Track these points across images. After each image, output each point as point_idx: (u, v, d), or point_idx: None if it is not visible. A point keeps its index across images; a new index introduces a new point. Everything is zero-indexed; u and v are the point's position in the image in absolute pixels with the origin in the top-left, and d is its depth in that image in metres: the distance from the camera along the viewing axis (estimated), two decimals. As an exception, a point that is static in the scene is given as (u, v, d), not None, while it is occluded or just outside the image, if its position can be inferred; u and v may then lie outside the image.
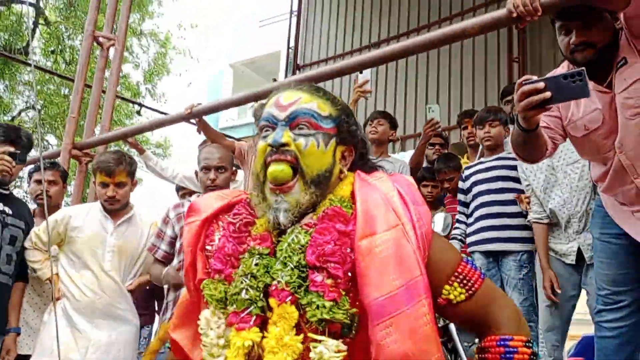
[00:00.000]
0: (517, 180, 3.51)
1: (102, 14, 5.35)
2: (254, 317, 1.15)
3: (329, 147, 1.28)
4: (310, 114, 1.27)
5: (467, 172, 3.78)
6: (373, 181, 1.25)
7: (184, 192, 4.65)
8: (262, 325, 1.15)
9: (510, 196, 3.50)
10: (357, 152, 1.37)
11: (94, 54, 5.31)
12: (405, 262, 1.10)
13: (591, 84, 2.18)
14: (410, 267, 1.10)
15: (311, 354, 1.09)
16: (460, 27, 2.78)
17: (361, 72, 3.47)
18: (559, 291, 3.17)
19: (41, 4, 14.56)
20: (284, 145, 1.23)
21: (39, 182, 3.81)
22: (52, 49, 14.54)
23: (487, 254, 3.52)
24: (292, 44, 9.58)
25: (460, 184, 3.81)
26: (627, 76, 2.14)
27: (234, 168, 3.13)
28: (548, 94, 1.77)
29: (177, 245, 2.96)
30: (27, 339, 3.26)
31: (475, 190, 3.64)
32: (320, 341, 1.09)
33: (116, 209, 3.20)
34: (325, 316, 1.08)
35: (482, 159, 3.78)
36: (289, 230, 1.21)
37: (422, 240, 1.16)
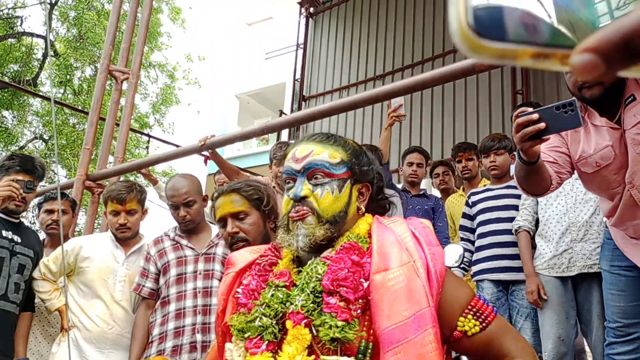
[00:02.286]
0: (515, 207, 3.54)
1: (115, 48, 5.47)
2: (266, 343, 1.24)
3: (343, 191, 1.41)
4: (322, 165, 1.41)
5: (473, 199, 3.77)
6: (389, 224, 1.37)
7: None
8: (275, 351, 1.24)
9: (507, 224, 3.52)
10: (375, 186, 1.49)
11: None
12: (414, 295, 1.18)
13: (603, 120, 2.25)
14: (419, 299, 1.18)
15: None
16: (470, 63, 2.85)
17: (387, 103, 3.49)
18: (545, 297, 3.20)
19: (51, 36, 14.81)
20: (303, 198, 1.38)
21: (49, 212, 3.86)
22: (61, 80, 14.73)
23: (497, 282, 3.51)
24: (297, 75, 9.72)
25: (466, 209, 3.80)
26: (637, 112, 2.19)
27: (203, 195, 3.09)
28: (542, 124, 1.83)
29: (161, 281, 2.95)
30: None
31: (484, 217, 3.64)
32: None
33: (127, 237, 3.23)
34: (338, 335, 1.17)
35: (489, 186, 3.78)
36: (308, 262, 1.33)
37: (436, 278, 1.23)
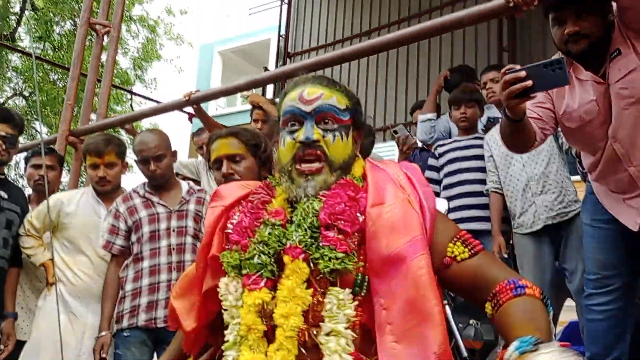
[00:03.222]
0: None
1: (96, 1, 5.33)
2: (265, 280, 1.26)
3: (349, 137, 1.42)
4: (333, 110, 1.39)
5: (440, 150, 3.78)
6: (382, 166, 1.39)
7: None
8: (273, 288, 1.26)
9: (480, 175, 3.55)
10: (363, 134, 1.51)
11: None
12: (409, 224, 1.23)
13: (588, 75, 2.25)
14: (413, 228, 1.22)
15: (326, 300, 1.21)
16: (457, 17, 2.83)
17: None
18: (505, 255, 3.27)
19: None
20: (315, 141, 1.35)
21: (36, 167, 3.82)
22: (40, 35, 14.38)
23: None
24: (282, 32, 9.57)
25: (432, 162, 3.81)
26: (622, 67, 2.20)
27: (173, 150, 3.06)
28: (529, 82, 1.83)
29: (133, 238, 2.94)
30: (31, 324, 3.25)
31: (452, 167, 3.65)
32: (335, 292, 1.21)
33: (107, 190, 3.19)
34: (338, 266, 1.20)
35: (457, 138, 3.80)
36: (304, 200, 1.33)
37: (430, 213, 1.28)
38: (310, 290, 1.21)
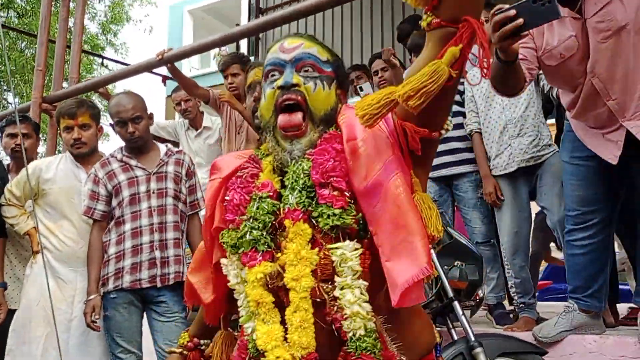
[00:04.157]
0: (461, 104, 3.55)
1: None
2: (261, 253, 1.27)
3: (332, 88, 1.39)
4: (313, 58, 1.38)
5: None
6: (353, 104, 1.37)
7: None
8: (272, 259, 1.27)
9: (456, 120, 3.53)
10: (347, 94, 1.50)
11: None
12: (381, 149, 1.23)
13: (565, 11, 2.24)
14: (384, 151, 1.23)
15: (333, 257, 1.21)
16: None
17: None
18: (502, 198, 3.31)
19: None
20: (294, 85, 1.33)
21: (12, 136, 3.77)
22: (2, 2, 13.92)
23: (438, 179, 3.59)
24: (253, -14, 9.35)
25: None
26: (597, 0, 2.21)
27: (149, 113, 3.05)
28: (521, 20, 1.82)
29: (114, 202, 2.95)
30: (20, 294, 3.25)
31: None
32: (337, 247, 1.21)
33: (83, 152, 3.17)
34: (337, 222, 1.21)
35: None
36: (292, 162, 1.33)
37: (388, 119, 1.27)
38: (316, 250, 1.23)
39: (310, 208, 1.25)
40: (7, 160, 4.02)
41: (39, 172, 3.16)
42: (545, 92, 3.32)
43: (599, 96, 2.32)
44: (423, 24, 1.13)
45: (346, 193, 1.23)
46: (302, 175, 1.29)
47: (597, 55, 2.26)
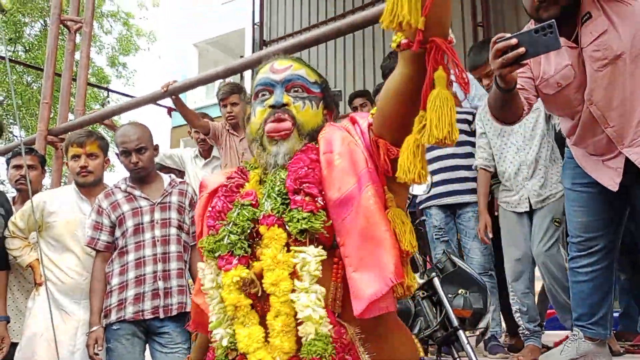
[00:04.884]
0: (470, 133, 3.61)
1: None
2: (237, 257, 1.29)
3: (319, 109, 1.45)
4: (302, 79, 1.44)
5: None
6: (334, 123, 1.45)
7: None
8: (248, 265, 1.29)
9: (465, 149, 3.59)
10: (334, 117, 1.56)
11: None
12: (356, 163, 1.26)
13: (561, 40, 2.28)
14: (359, 164, 1.26)
15: (295, 260, 1.23)
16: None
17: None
18: (490, 235, 3.38)
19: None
20: (284, 105, 1.39)
21: (17, 167, 3.80)
22: (11, 37, 14.15)
23: (444, 208, 3.62)
24: (257, 19, 9.51)
25: None
26: (593, 29, 2.24)
27: (155, 144, 3.08)
28: (522, 49, 1.86)
29: (117, 232, 2.95)
30: (21, 326, 3.24)
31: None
32: (301, 251, 1.24)
33: (89, 181, 3.18)
34: (305, 226, 1.23)
35: None
36: (272, 171, 1.38)
37: (369, 138, 1.31)
38: (291, 253, 1.24)
39: (284, 215, 1.28)
40: (12, 193, 4.05)
41: (44, 205, 3.17)
42: (557, 131, 3.36)
43: (597, 124, 2.34)
44: (393, 45, 1.16)
45: (319, 200, 1.26)
46: (278, 183, 1.33)
47: (594, 84, 2.28)
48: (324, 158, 1.30)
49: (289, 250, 1.25)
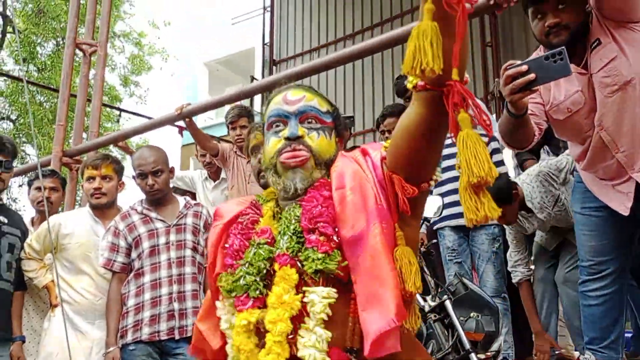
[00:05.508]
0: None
1: (80, 20, 5.34)
2: (252, 300, 1.31)
3: (332, 138, 1.47)
4: (315, 110, 1.46)
5: None
6: (347, 153, 1.45)
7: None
8: (262, 307, 1.31)
9: None
10: (345, 142, 1.60)
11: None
12: (367, 200, 1.28)
13: (571, 66, 2.32)
14: (369, 200, 1.28)
15: (305, 300, 1.25)
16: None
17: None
18: (561, 350, 3.38)
19: (9, 12, 14.35)
20: (299, 137, 1.41)
21: (39, 189, 3.86)
22: (24, 57, 14.33)
23: (457, 229, 3.60)
24: (267, 40, 9.61)
25: None
26: (603, 56, 2.26)
27: (170, 167, 3.12)
28: (532, 75, 1.89)
29: (133, 254, 2.98)
30: (36, 346, 3.27)
31: (443, 164, 3.67)
32: (311, 292, 1.25)
33: (102, 203, 3.23)
34: (320, 267, 1.25)
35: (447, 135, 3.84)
36: (286, 208, 1.39)
37: (379, 163, 1.33)
38: (299, 296, 1.26)
39: (299, 253, 1.29)
40: (31, 213, 4.11)
41: (59, 227, 3.21)
42: None
43: (608, 149, 2.36)
44: (409, 85, 1.18)
45: (334, 238, 1.28)
46: (293, 221, 1.34)
47: (604, 109, 2.30)
48: (337, 195, 1.31)
49: (298, 292, 1.27)
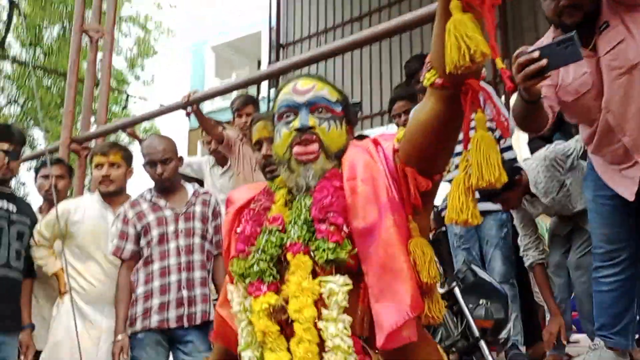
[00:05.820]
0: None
1: (87, 5, 5.32)
2: (267, 284, 1.32)
3: (343, 128, 1.47)
4: (326, 100, 1.45)
5: None
6: (359, 142, 1.46)
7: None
8: (278, 291, 1.32)
9: None
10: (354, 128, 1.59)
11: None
12: (378, 191, 1.28)
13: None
14: (382, 192, 1.28)
15: (322, 290, 1.26)
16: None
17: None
18: (564, 341, 3.34)
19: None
20: (310, 127, 1.41)
21: (45, 177, 3.86)
22: (30, 42, 14.32)
23: None
24: (273, 23, 9.54)
25: None
26: (611, 39, 2.24)
27: (179, 156, 3.14)
28: (544, 61, 1.87)
29: (142, 242, 2.99)
30: (46, 334, 3.28)
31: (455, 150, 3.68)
32: (327, 281, 1.26)
33: (110, 190, 3.24)
34: (331, 257, 1.25)
35: None
36: (297, 198, 1.40)
37: (391, 155, 1.33)
38: (317, 280, 1.27)
39: (310, 242, 1.30)
40: (39, 201, 4.12)
41: (67, 214, 3.21)
42: None
43: (614, 132, 2.34)
44: (426, 82, 1.17)
45: (344, 228, 1.28)
46: (303, 211, 1.35)
47: (611, 92, 2.28)
48: (347, 185, 1.32)
49: (315, 277, 1.28)
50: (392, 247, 1.23)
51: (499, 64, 1.02)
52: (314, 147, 1.40)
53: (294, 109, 1.44)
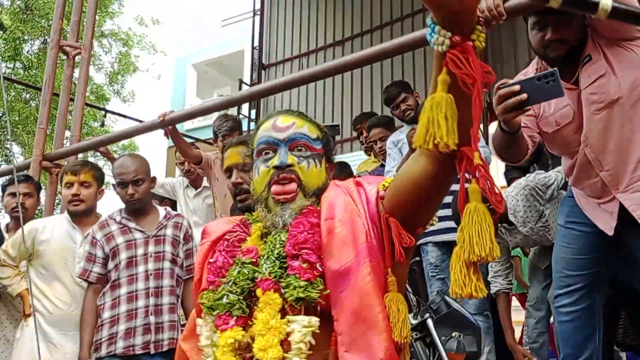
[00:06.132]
0: None
1: (66, 20, 5.27)
2: (235, 318, 1.29)
3: (322, 166, 1.45)
4: (306, 138, 1.44)
5: None
6: (340, 183, 1.43)
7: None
8: (246, 325, 1.29)
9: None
10: (335, 167, 1.56)
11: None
12: (357, 235, 1.26)
13: (562, 82, 2.30)
14: (359, 237, 1.25)
15: (287, 329, 1.22)
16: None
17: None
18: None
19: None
20: (289, 165, 1.38)
21: (13, 195, 3.79)
22: (10, 54, 14.18)
23: (441, 245, 3.55)
24: (256, 43, 9.57)
25: None
26: (592, 72, 2.25)
27: (152, 176, 3.08)
28: (524, 95, 1.87)
29: (110, 265, 2.92)
30: (9, 356, 3.22)
31: None
32: (292, 321, 1.23)
33: (80, 210, 3.18)
34: (301, 295, 1.22)
35: None
36: (273, 232, 1.37)
37: (373, 199, 1.31)
38: (285, 320, 1.24)
39: (281, 278, 1.27)
40: (6, 220, 4.04)
41: (35, 233, 3.16)
42: None
43: (592, 166, 2.34)
44: (415, 145, 1.13)
45: (317, 267, 1.25)
46: (277, 246, 1.32)
47: (590, 126, 2.29)
48: (325, 225, 1.29)
49: (284, 316, 1.24)
50: (368, 297, 1.20)
51: (477, 159, 1.02)
52: (292, 186, 1.37)
53: (273, 145, 1.42)
